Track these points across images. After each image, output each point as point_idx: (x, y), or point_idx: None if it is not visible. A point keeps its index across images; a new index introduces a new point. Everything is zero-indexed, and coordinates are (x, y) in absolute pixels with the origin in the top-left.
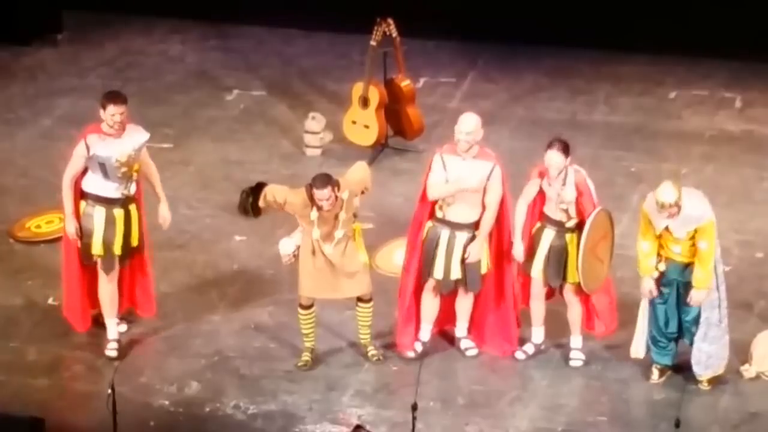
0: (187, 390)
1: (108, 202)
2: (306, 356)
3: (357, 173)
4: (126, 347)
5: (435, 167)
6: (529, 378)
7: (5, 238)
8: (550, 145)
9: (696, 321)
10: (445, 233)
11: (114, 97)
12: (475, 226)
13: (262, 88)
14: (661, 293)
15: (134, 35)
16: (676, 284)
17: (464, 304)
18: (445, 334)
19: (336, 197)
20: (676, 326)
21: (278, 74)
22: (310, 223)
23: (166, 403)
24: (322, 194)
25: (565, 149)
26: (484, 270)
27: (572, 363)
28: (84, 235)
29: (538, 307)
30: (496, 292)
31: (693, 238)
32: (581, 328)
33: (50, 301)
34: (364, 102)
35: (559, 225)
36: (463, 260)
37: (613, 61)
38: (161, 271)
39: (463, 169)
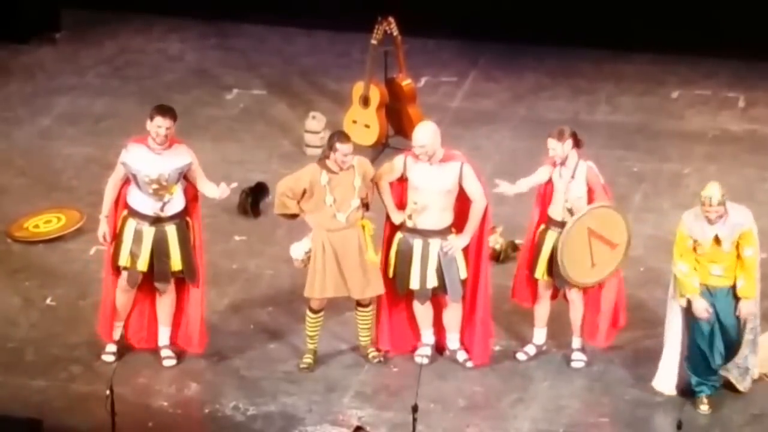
0: (186, 391)
1: (140, 217)
2: (308, 358)
3: (370, 167)
4: (124, 349)
5: (396, 164)
6: (530, 379)
7: (3, 237)
8: (550, 134)
9: (731, 344)
10: (418, 243)
11: (164, 110)
12: (447, 231)
13: (262, 87)
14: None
15: (133, 33)
16: (715, 311)
17: (452, 315)
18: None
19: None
20: (725, 354)
21: (278, 73)
22: (322, 199)
23: (165, 404)
24: (345, 148)
25: (561, 135)
26: (463, 275)
27: (574, 364)
28: (116, 243)
29: (543, 308)
30: (470, 299)
31: (736, 248)
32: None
33: (48, 301)
34: (365, 101)
35: (562, 226)
36: (439, 267)
37: (616, 60)
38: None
39: (431, 175)
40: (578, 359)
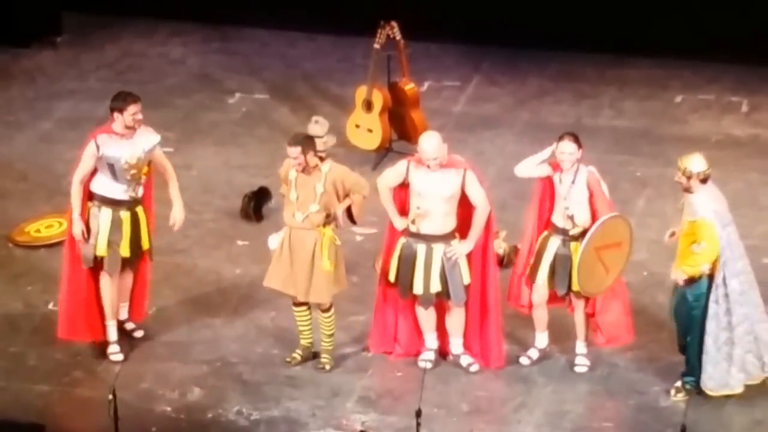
0: (189, 396)
1: (115, 204)
2: (296, 353)
3: (355, 176)
4: (127, 352)
5: (399, 168)
6: (533, 384)
7: (4, 242)
8: (561, 138)
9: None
10: (421, 248)
11: (132, 96)
12: (451, 236)
13: (264, 92)
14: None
15: (135, 37)
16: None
17: (455, 320)
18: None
19: (306, 163)
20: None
21: (281, 77)
22: (288, 193)
23: (168, 409)
24: (291, 151)
25: (577, 140)
26: (466, 281)
27: (577, 369)
28: (89, 236)
29: (541, 312)
30: (481, 305)
31: (688, 235)
32: (587, 334)
33: (50, 306)
34: (368, 106)
35: (564, 233)
36: (442, 272)
37: (619, 64)
38: (163, 276)
39: (433, 181)
40: (582, 364)
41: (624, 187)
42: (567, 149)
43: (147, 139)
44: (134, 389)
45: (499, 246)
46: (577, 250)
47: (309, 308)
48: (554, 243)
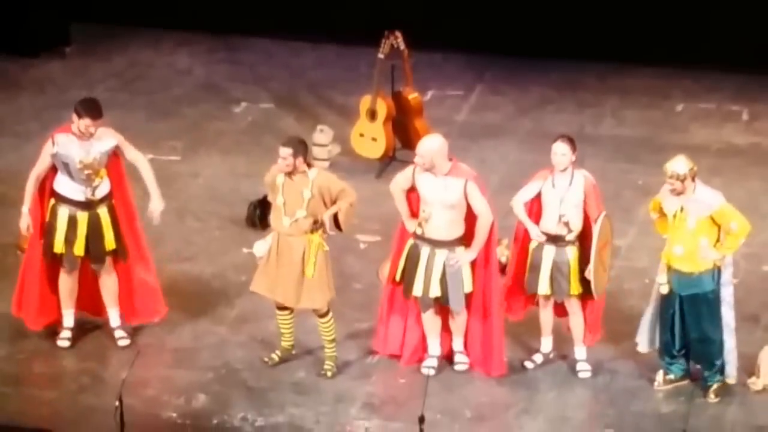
0: (195, 402)
1: (72, 204)
2: (275, 354)
3: (342, 183)
4: (133, 360)
5: (406, 173)
6: (536, 390)
7: (13, 250)
8: (555, 140)
9: (702, 340)
10: (425, 251)
11: (93, 111)
12: (456, 242)
13: (269, 101)
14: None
15: (142, 48)
16: (679, 299)
17: (458, 322)
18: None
19: (294, 166)
20: (682, 344)
21: (286, 87)
22: (275, 198)
23: (174, 415)
24: (283, 151)
25: (571, 141)
26: (468, 289)
27: (580, 375)
28: (48, 232)
29: (546, 317)
30: (483, 312)
31: (699, 233)
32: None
33: None
34: (372, 115)
35: (559, 240)
36: (443, 277)
37: (620, 73)
38: (169, 283)
39: (436, 187)
40: (584, 369)
41: (626, 195)
42: (560, 150)
43: (104, 141)
44: (140, 395)
45: (502, 254)
46: (574, 253)
47: (292, 312)
48: (549, 251)
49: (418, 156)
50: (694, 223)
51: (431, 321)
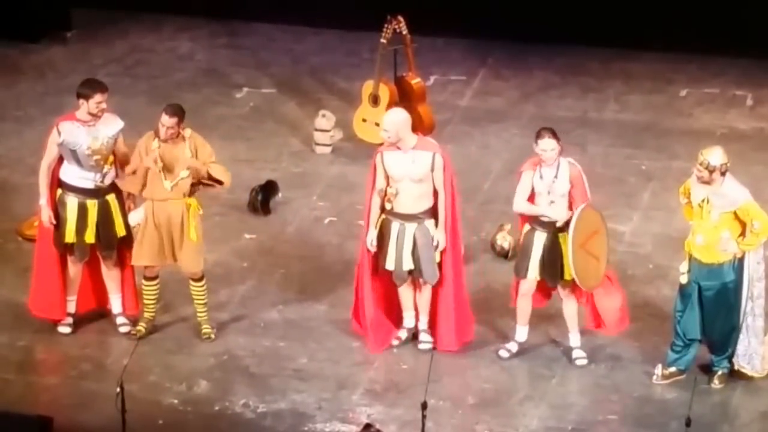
0: (196, 388)
1: (81, 192)
2: (140, 326)
3: (209, 148)
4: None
5: (377, 165)
6: (538, 377)
7: (14, 236)
8: (539, 135)
9: (718, 328)
10: (395, 225)
11: (101, 86)
12: (425, 215)
13: (271, 86)
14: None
15: (143, 33)
16: (698, 288)
17: (423, 297)
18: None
19: (178, 133)
20: (699, 331)
21: (288, 72)
22: (152, 163)
23: (175, 401)
24: (168, 120)
25: (554, 133)
26: (437, 260)
27: (578, 362)
28: (58, 223)
29: (525, 305)
30: (450, 284)
31: (721, 227)
32: (580, 325)
33: None
34: (375, 100)
35: (550, 226)
36: (414, 250)
37: (624, 58)
38: (170, 270)
39: (404, 162)
40: (580, 356)
41: (629, 180)
42: (549, 146)
43: (111, 125)
44: (142, 382)
45: (504, 239)
46: (565, 240)
47: (158, 281)
48: (540, 237)
49: (383, 130)
50: (717, 217)
51: (405, 293)
